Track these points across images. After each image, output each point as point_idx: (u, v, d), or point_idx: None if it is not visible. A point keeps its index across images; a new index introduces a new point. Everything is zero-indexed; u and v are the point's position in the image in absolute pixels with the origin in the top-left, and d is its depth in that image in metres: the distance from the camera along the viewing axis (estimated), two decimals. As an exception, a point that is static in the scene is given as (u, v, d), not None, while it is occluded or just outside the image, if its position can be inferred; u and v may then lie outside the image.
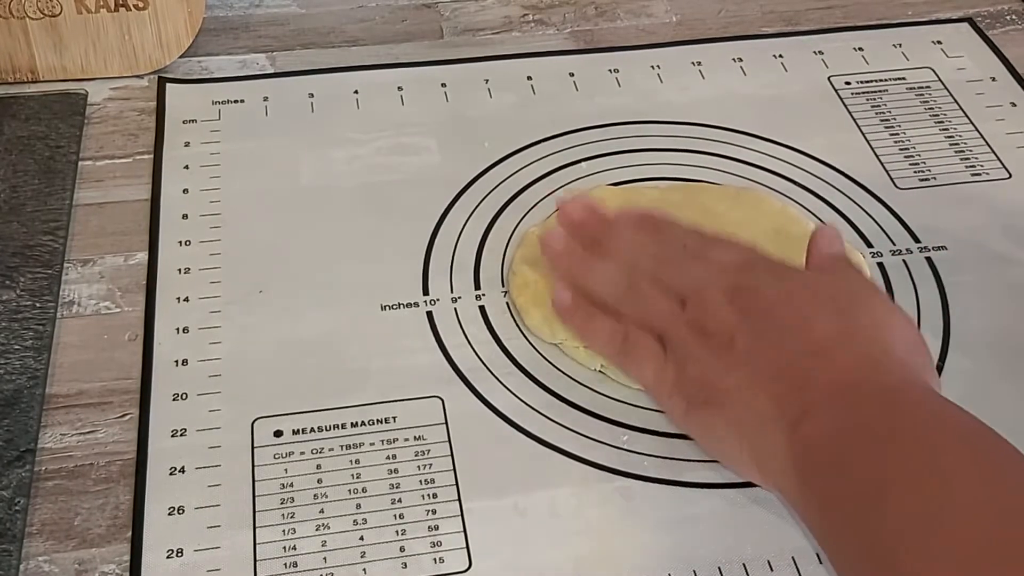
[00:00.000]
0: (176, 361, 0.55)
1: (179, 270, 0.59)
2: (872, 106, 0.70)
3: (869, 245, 0.61)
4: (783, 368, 0.47)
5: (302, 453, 0.51)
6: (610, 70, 0.72)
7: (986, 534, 0.38)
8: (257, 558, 0.48)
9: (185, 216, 0.62)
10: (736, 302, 0.49)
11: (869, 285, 0.51)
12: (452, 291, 0.59)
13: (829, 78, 0.72)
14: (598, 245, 0.55)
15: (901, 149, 0.67)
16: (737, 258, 0.52)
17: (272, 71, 0.72)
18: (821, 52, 0.74)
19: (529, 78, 0.72)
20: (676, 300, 0.51)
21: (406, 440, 0.52)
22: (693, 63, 0.73)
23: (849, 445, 0.44)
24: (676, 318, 0.50)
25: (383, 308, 0.58)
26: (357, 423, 0.53)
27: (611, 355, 0.53)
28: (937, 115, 0.70)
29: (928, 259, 0.61)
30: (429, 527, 0.49)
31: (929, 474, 0.41)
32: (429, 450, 0.52)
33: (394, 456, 0.51)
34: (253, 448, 0.51)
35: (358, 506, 0.49)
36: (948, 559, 0.38)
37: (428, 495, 0.50)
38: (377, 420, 0.53)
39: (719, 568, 0.48)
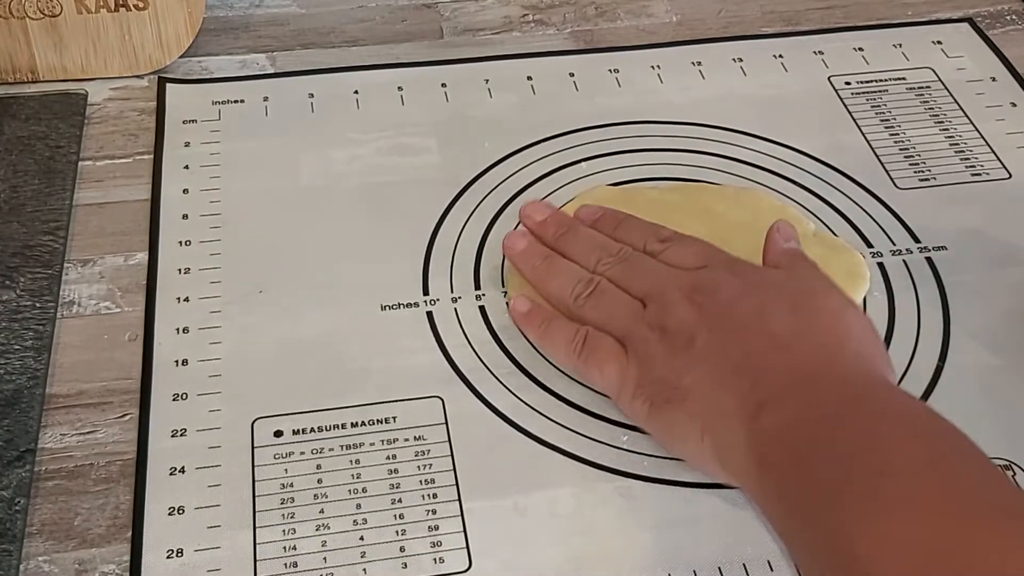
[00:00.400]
0: (176, 361, 0.55)
1: (179, 270, 0.59)
2: (872, 106, 0.70)
3: (869, 245, 0.61)
4: (741, 362, 0.48)
5: (302, 453, 0.51)
6: (610, 70, 0.72)
7: (938, 518, 0.39)
8: (257, 558, 0.48)
9: (185, 216, 0.62)
10: (695, 300, 0.50)
11: (825, 280, 0.52)
12: (452, 291, 0.59)
13: (829, 78, 0.72)
14: (559, 245, 0.57)
15: (901, 149, 0.67)
16: (695, 257, 0.53)
17: (272, 71, 0.72)
18: (821, 52, 0.74)
19: (529, 78, 0.72)
20: (636, 300, 0.52)
21: (406, 440, 0.52)
22: (693, 63, 0.73)
23: (806, 435, 0.45)
24: (637, 318, 0.52)
25: (383, 308, 0.58)
26: (357, 423, 0.53)
27: (572, 360, 0.53)
28: (937, 115, 0.70)
29: (928, 259, 0.61)
30: (429, 527, 0.49)
31: (883, 462, 0.42)
32: (429, 450, 0.52)
33: (394, 456, 0.51)
34: (253, 448, 0.51)
35: (358, 506, 0.49)
36: (903, 543, 0.39)
37: (428, 495, 0.50)
38: (377, 420, 0.53)
39: (719, 568, 0.48)
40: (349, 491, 0.50)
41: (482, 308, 0.58)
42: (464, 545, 0.48)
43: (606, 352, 0.51)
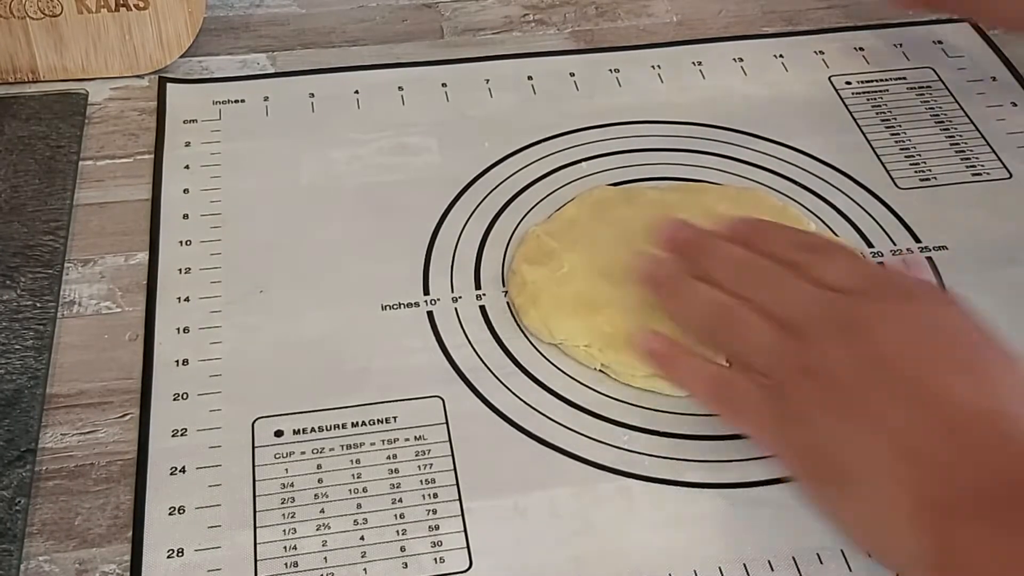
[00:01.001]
0: (177, 361, 0.55)
1: (179, 270, 0.59)
2: (873, 106, 0.70)
3: (870, 245, 0.62)
4: (916, 447, 0.42)
5: (303, 453, 0.51)
6: (610, 70, 0.72)
7: None
8: (258, 558, 0.48)
9: (186, 216, 0.62)
10: (847, 340, 0.45)
11: (979, 324, 0.46)
12: (453, 291, 0.59)
13: (830, 78, 0.72)
14: (696, 266, 0.52)
15: (902, 149, 0.67)
16: (846, 276, 0.48)
17: (273, 71, 0.72)
18: (822, 52, 0.74)
19: (529, 78, 0.72)
20: (779, 331, 0.47)
21: (406, 440, 0.52)
22: (693, 63, 0.73)
23: (1005, 566, 0.39)
24: (780, 357, 0.47)
25: (383, 308, 0.58)
26: (357, 423, 0.53)
27: (709, 401, 0.50)
28: (938, 115, 0.70)
29: (928, 259, 0.61)
30: (430, 527, 0.49)
31: None
32: (429, 450, 0.52)
33: (395, 456, 0.51)
34: (254, 448, 0.52)
35: (359, 506, 0.50)
36: None
37: (428, 495, 0.50)
38: (377, 420, 0.53)
39: (720, 568, 0.48)
40: (349, 491, 0.50)
41: (482, 308, 0.58)
42: (464, 545, 0.48)
43: (742, 401, 0.48)
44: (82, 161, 0.65)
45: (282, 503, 0.50)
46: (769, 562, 0.48)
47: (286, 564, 0.48)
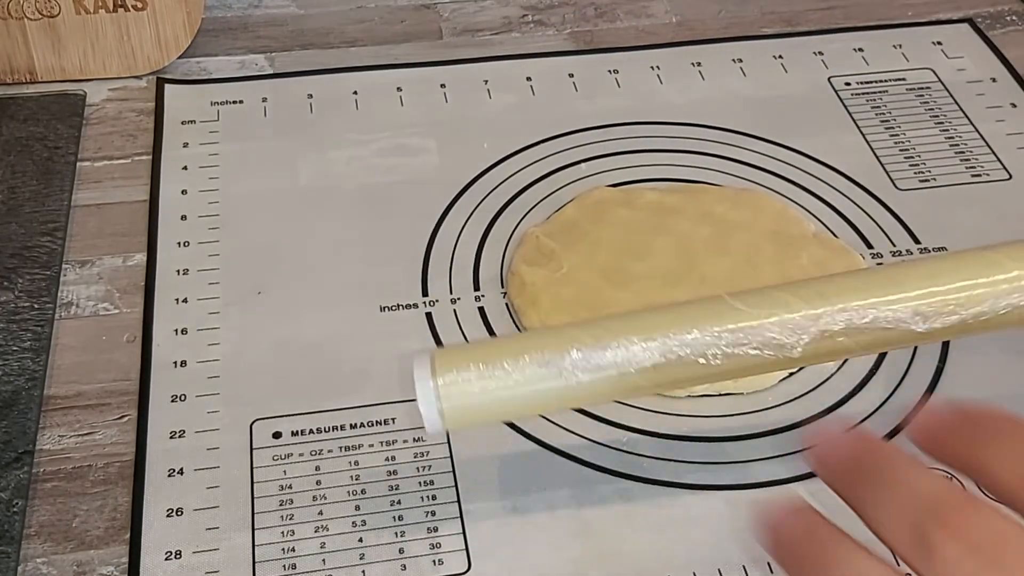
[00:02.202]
0: (175, 362, 0.55)
1: (178, 271, 0.59)
2: (872, 107, 0.70)
3: (869, 246, 0.61)
4: None
5: (301, 455, 0.51)
6: (610, 71, 0.72)
7: None
8: (256, 560, 0.48)
9: (184, 217, 0.62)
10: None
11: None
12: (451, 292, 0.58)
13: (829, 79, 0.72)
14: (858, 504, 0.32)
15: (901, 150, 0.67)
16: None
17: (271, 72, 0.72)
18: (821, 53, 0.74)
19: (528, 79, 0.72)
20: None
21: (405, 442, 0.52)
22: (693, 64, 0.73)
23: None
24: None
25: (382, 309, 0.58)
26: (356, 425, 0.52)
27: None
28: (937, 116, 0.70)
29: (928, 260, 0.61)
30: (428, 529, 0.49)
31: None
32: (428, 452, 0.51)
33: (393, 458, 0.51)
34: (252, 450, 0.51)
35: (357, 508, 0.49)
36: None
37: (427, 497, 0.50)
38: (376, 422, 0.53)
39: (719, 570, 0.48)
40: (348, 492, 0.50)
41: (481, 309, 0.58)
42: (463, 547, 0.48)
43: None
44: (80, 162, 0.65)
45: (280, 505, 0.49)
46: (769, 564, 0.48)
47: (284, 566, 0.47)
